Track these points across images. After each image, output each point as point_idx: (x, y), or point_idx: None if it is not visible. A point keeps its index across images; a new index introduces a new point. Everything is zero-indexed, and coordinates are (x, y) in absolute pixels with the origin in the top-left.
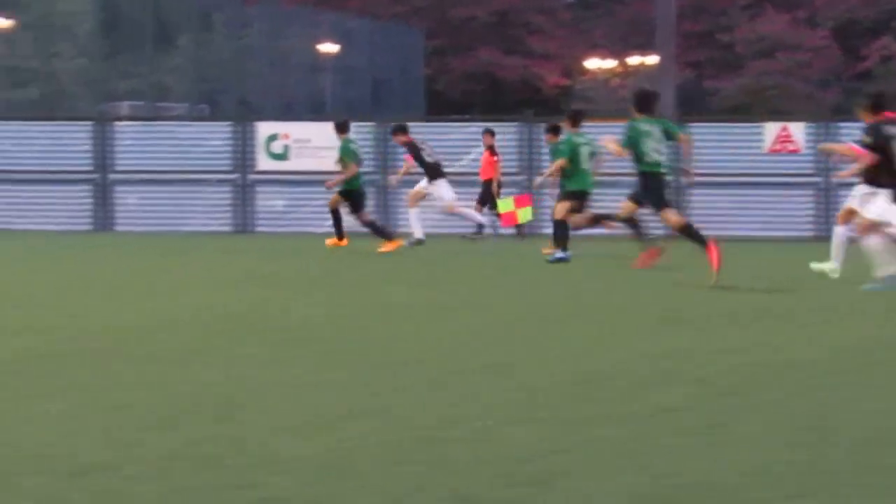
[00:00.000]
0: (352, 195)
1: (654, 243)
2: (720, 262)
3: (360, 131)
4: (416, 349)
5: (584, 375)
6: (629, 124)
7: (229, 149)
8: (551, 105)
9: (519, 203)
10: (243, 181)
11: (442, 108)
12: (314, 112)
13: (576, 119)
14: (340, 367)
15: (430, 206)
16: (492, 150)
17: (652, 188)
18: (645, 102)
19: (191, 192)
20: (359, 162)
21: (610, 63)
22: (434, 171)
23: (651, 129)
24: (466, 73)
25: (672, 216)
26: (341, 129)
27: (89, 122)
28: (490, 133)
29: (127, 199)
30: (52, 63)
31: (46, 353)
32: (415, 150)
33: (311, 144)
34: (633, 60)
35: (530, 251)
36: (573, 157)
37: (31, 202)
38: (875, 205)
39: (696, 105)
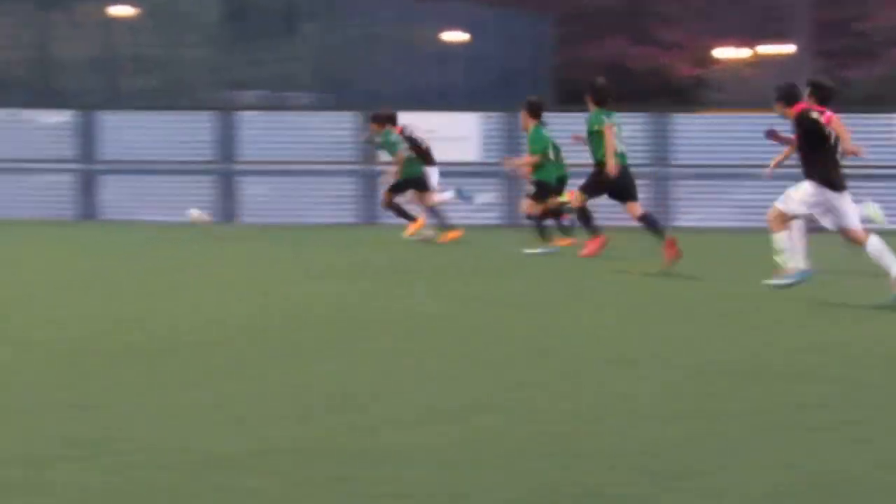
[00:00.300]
0: (401, 183)
1: (599, 232)
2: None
3: (488, 121)
4: (536, 342)
5: (716, 368)
6: (594, 115)
7: (354, 139)
8: (684, 95)
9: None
10: (369, 171)
11: (571, 97)
12: (441, 101)
13: (534, 110)
14: (463, 360)
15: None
16: None
17: (601, 179)
18: (604, 95)
19: (316, 183)
20: (394, 153)
21: (744, 52)
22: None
23: (613, 121)
24: (596, 63)
25: (577, 200)
26: (378, 121)
27: (212, 112)
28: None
29: (254, 190)
30: (175, 51)
31: (174, 346)
32: (408, 140)
33: (438, 135)
34: (767, 49)
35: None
36: (544, 150)
37: (153, 193)
38: (795, 196)
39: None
